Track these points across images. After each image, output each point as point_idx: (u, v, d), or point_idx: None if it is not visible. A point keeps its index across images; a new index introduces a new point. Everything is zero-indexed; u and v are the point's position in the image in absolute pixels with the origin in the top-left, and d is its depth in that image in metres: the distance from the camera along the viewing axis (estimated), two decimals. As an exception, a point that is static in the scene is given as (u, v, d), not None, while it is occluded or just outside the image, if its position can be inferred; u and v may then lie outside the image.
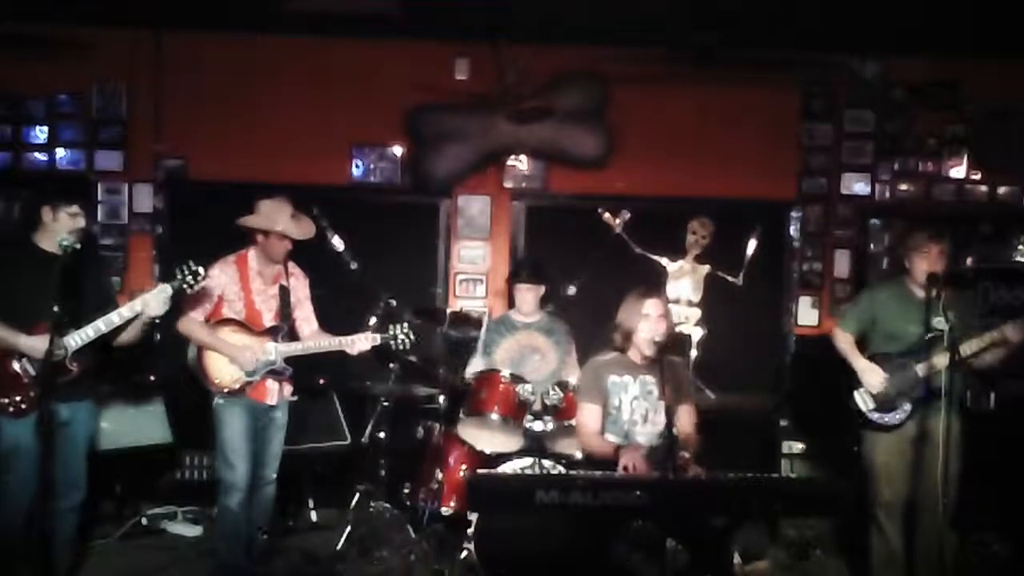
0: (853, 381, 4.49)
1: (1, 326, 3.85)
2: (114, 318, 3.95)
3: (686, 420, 4.19)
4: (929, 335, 4.30)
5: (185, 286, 4.02)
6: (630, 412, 4.15)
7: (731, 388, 5.73)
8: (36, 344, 3.78)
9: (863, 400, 4.47)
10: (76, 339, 3.90)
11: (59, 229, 3.93)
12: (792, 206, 6.38)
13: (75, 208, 3.99)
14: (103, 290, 4.29)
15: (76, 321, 3.91)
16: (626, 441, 4.11)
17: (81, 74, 6.19)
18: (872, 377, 4.43)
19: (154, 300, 3.96)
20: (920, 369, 4.33)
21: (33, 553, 3.85)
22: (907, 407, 4.38)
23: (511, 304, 5.56)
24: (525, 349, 5.25)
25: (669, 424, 3.73)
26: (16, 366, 3.88)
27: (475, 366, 5.14)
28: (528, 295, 5.27)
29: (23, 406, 3.87)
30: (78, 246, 3.92)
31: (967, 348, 4.23)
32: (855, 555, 4.92)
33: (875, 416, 4.44)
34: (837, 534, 5.30)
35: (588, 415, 4.19)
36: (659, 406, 4.12)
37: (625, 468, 3.80)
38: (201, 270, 4.05)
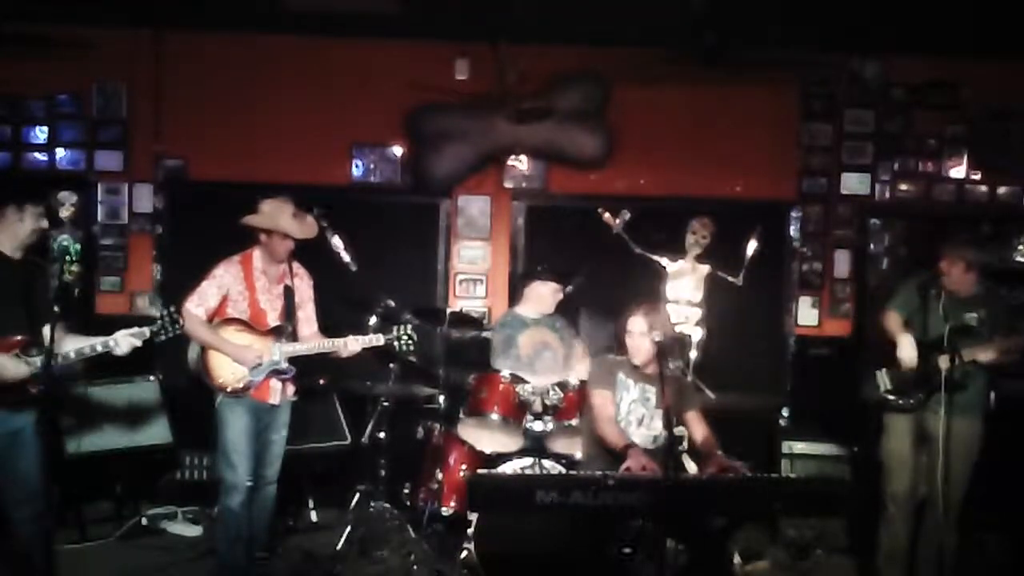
0: (880, 361, 4.59)
1: None
2: (85, 350, 3.87)
3: (698, 425, 4.21)
4: (952, 330, 4.37)
5: (163, 332, 3.96)
6: (626, 413, 4.18)
7: (731, 388, 5.73)
8: (5, 363, 3.73)
9: (883, 380, 4.58)
10: (40, 363, 3.77)
11: (23, 229, 3.88)
12: (792, 206, 6.38)
13: (41, 208, 3.95)
14: (49, 301, 3.97)
15: (34, 333, 3.84)
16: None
17: (81, 74, 6.19)
18: (908, 349, 4.50)
19: (125, 341, 3.90)
20: (942, 361, 4.38)
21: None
22: (920, 395, 4.47)
23: (511, 303, 5.56)
24: (539, 345, 5.26)
25: (668, 426, 3.73)
26: None
27: (501, 365, 5.12)
28: (553, 295, 5.29)
29: None
30: (78, 246, 3.89)
31: (985, 352, 4.32)
32: (863, 554, 4.94)
33: (891, 397, 4.56)
34: (847, 532, 5.31)
35: (602, 400, 4.21)
36: (656, 413, 4.16)
37: (629, 469, 3.80)
38: (180, 320, 4.01)
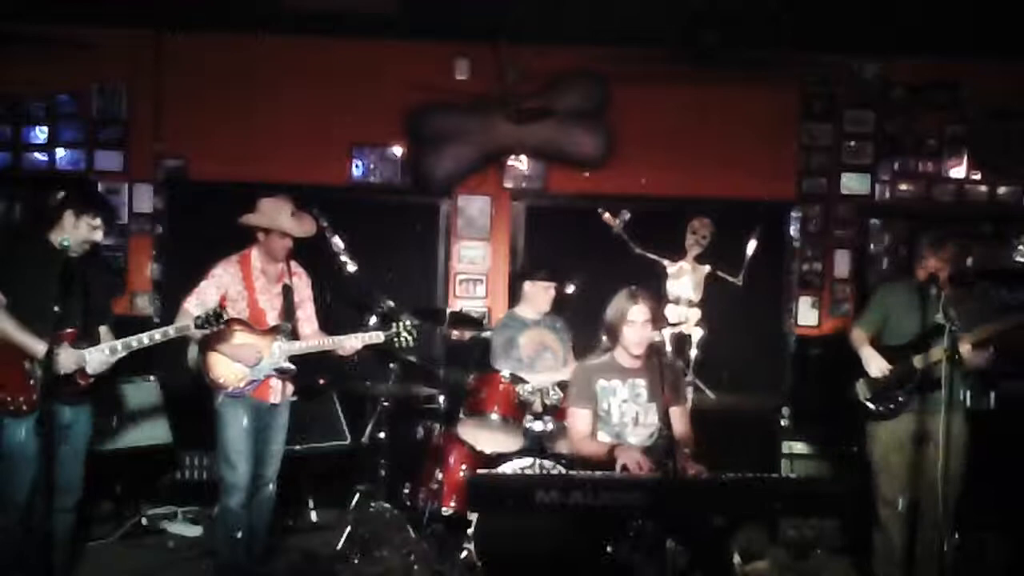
0: (857, 371, 4.61)
1: (23, 331, 3.86)
2: (133, 343, 4.03)
3: (680, 421, 4.19)
4: (928, 330, 4.42)
5: (206, 325, 4.10)
6: (620, 415, 4.16)
7: (731, 388, 5.73)
8: (58, 357, 3.83)
9: (862, 389, 4.60)
10: (96, 356, 3.97)
11: (75, 235, 3.95)
12: (792, 206, 6.38)
13: (98, 220, 4.03)
14: (105, 302, 4.29)
15: (86, 330, 3.98)
16: (618, 441, 4.11)
17: (81, 74, 6.19)
18: (875, 363, 4.56)
19: (174, 332, 4.10)
20: (917, 361, 4.42)
21: (31, 553, 3.87)
22: (901, 398, 4.49)
23: (511, 303, 5.57)
24: (539, 347, 5.27)
25: (666, 424, 3.73)
26: (27, 367, 3.89)
27: (502, 366, 5.12)
28: (545, 293, 5.29)
29: (24, 407, 3.88)
30: (75, 254, 3.93)
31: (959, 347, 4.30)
32: (858, 553, 4.93)
33: (871, 405, 4.57)
34: (843, 532, 5.31)
35: (578, 419, 4.19)
36: (649, 408, 4.15)
37: (625, 468, 3.80)
38: (224, 314, 4.17)
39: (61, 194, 4.08)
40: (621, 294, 4.21)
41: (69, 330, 3.92)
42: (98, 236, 4.05)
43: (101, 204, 4.18)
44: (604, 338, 4.24)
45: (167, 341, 4.11)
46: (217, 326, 4.13)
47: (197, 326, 4.09)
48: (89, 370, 3.97)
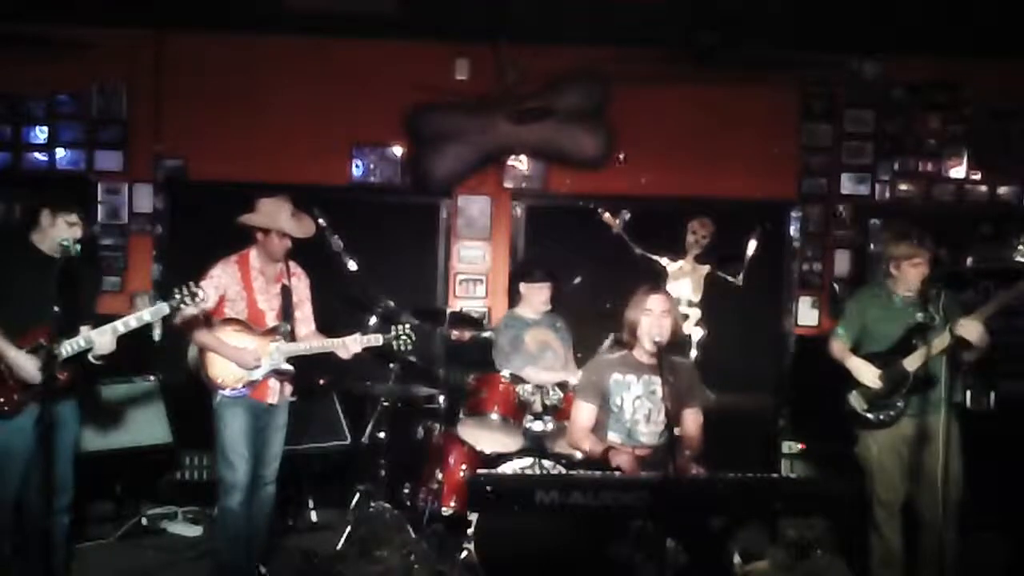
0: (848, 383, 4.57)
1: None
2: (107, 330, 3.95)
3: (691, 423, 4.18)
4: (909, 330, 4.40)
5: (182, 305, 4.03)
6: (632, 411, 4.14)
7: (731, 388, 5.72)
8: (24, 363, 3.81)
9: (857, 401, 4.55)
10: (68, 348, 3.89)
11: (55, 234, 3.93)
12: (792, 206, 6.38)
13: (74, 217, 3.99)
14: (90, 300, 4.24)
15: (70, 328, 3.91)
16: (629, 440, 4.11)
17: (81, 74, 6.19)
18: (866, 372, 4.51)
19: (149, 317, 4.02)
20: (906, 363, 4.39)
21: (27, 554, 3.86)
22: (899, 403, 4.45)
23: (511, 303, 5.57)
24: (540, 345, 5.27)
25: (669, 425, 3.72)
26: (3, 368, 3.85)
27: (513, 365, 5.12)
28: (541, 294, 5.30)
29: (6, 408, 3.85)
30: (79, 247, 3.93)
31: (969, 328, 4.26)
32: (855, 555, 4.92)
33: (870, 415, 4.52)
34: (837, 534, 5.30)
35: (581, 412, 4.18)
36: (663, 406, 4.11)
37: (619, 470, 3.80)
38: (200, 292, 4.07)
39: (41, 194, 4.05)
40: (640, 289, 4.23)
41: (41, 331, 3.83)
42: (78, 232, 4.00)
43: (76, 201, 4.11)
44: (624, 333, 4.24)
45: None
46: (193, 303, 4.05)
47: (173, 308, 4.02)
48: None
